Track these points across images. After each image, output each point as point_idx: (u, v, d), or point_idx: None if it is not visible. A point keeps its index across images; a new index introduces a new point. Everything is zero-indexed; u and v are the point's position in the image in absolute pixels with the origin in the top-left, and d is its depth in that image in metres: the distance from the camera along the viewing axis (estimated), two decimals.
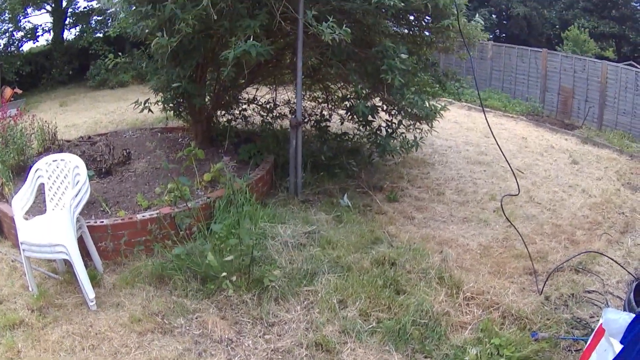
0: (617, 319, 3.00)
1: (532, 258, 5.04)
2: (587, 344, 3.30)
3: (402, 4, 5.58)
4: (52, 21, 19.21)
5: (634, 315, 2.97)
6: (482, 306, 4.29)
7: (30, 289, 4.31)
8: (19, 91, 15.30)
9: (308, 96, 8.24)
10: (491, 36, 20.78)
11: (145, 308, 4.12)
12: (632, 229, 6.17)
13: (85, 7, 19.46)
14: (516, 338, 3.87)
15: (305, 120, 7.71)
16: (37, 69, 18.59)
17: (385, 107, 6.85)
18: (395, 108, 6.64)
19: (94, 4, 18.38)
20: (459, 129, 10.75)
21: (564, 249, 5.51)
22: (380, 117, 6.87)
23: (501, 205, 5.58)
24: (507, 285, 4.61)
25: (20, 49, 19.06)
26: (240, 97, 7.82)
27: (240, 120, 8.11)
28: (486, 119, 5.51)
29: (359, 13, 5.94)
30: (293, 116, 6.16)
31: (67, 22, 19.45)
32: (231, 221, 4.81)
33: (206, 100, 6.95)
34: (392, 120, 6.90)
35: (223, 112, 7.81)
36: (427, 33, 6.97)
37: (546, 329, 4.05)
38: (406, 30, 7.14)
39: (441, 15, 6.22)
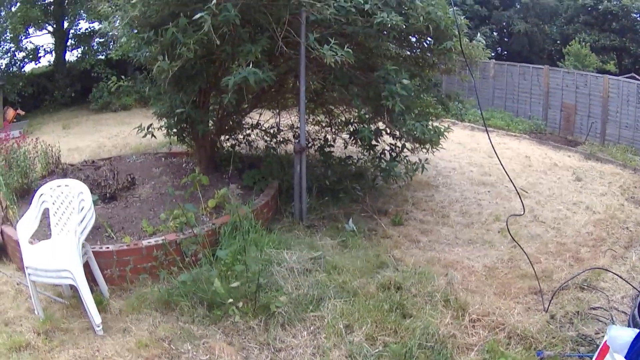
0: (621, 336, 3.00)
1: (538, 277, 5.02)
2: None
3: (404, 25, 5.61)
4: (53, 42, 19.21)
5: (637, 331, 2.97)
6: (487, 327, 4.27)
7: (36, 312, 4.32)
8: (22, 112, 15.33)
9: (311, 120, 8.26)
10: (493, 54, 20.88)
11: (152, 333, 4.11)
12: (637, 243, 6.18)
13: (87, 29, 19.44)
14: (522, 358, 3.86)
15: (309, 144, 7.70)
16: (40, 90, 18.54)
17: (388, 131, 6.85)
18: (399, 132, 6.63)
19: (96, 26, 18.15)
20: (463, 150, 10.77)
21: (568, 267, 5.50)
22: (384, 141, 6.89)
23: (507, 225, 5.59)
24: (512, 306, 4.59)
25: (22, 70, 18.92)
26: (243, 121, 7.85)
27: (244, 145, 8.13)
28: (490, 140, 5.52)
29: (361, 36, 5.95)
30: (297, 141, 6.17)
31: (68, 43, 19.38)
32: (237, 247, 4.81)
33: (210, 125, 6.96)
34: (395, 143, 6.91)
35: (227, 136, 7.83)
36: (429, 54, 6.96)
37: (552, 347, 4.03)
38: (408, 52, 7.16)
39: (442, 37, 6.23)
